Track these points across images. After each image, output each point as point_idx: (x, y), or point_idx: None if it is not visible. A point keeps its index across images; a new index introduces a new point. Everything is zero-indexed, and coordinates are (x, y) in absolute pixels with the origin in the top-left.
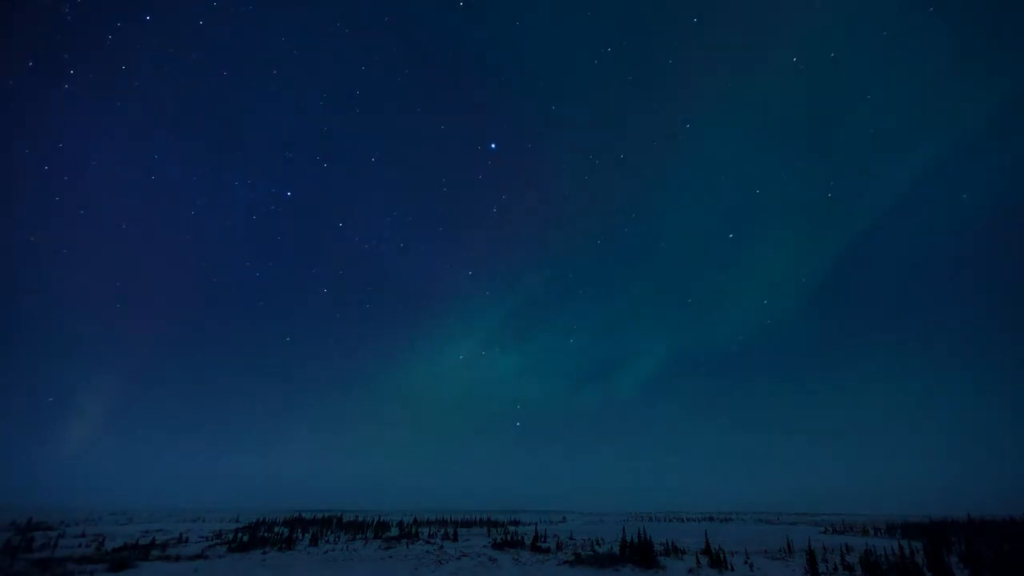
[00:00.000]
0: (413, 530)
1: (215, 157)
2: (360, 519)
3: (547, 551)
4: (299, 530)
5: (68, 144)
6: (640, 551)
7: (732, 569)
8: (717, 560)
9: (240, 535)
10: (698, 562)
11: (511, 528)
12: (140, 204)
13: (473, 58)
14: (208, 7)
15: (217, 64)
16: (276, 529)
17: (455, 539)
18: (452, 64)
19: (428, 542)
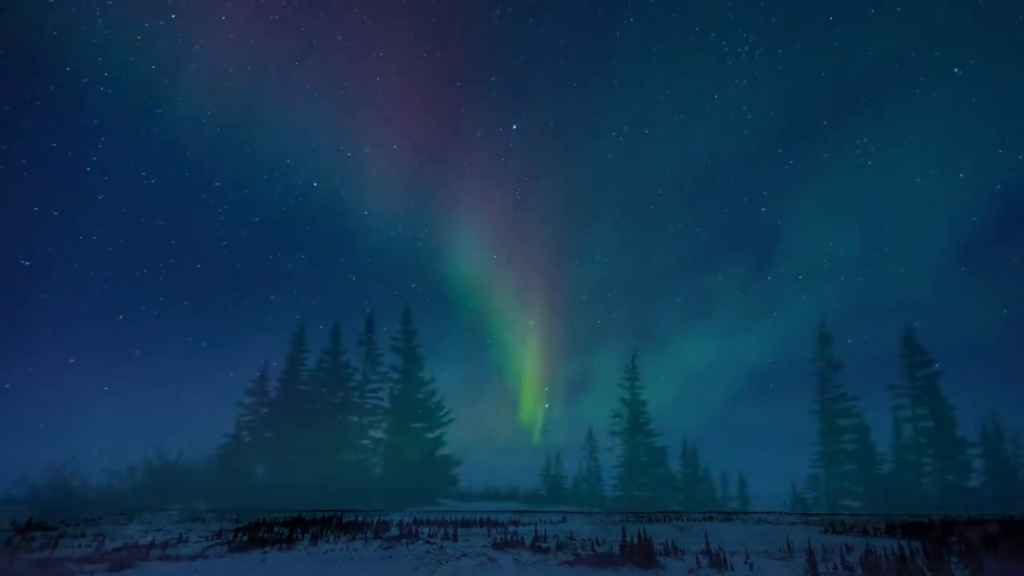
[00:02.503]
0: (413, 530)
1: (242, 151)
2: (360, 519)
3: (547, 551)
4: (299, 530)
5: (107, 144)
6: (640, 551)
7: (732, 569)
8: (717, 560)
9: (240, 535)
10: (698, 562)
11: (511, 528)
12: (175, 201)
13: (491, 37)
14: (229, 2)
15: (240, 59)
16: (276, 529)
17: (455, 539)
18: (470, 45)
19: (428, 542)
